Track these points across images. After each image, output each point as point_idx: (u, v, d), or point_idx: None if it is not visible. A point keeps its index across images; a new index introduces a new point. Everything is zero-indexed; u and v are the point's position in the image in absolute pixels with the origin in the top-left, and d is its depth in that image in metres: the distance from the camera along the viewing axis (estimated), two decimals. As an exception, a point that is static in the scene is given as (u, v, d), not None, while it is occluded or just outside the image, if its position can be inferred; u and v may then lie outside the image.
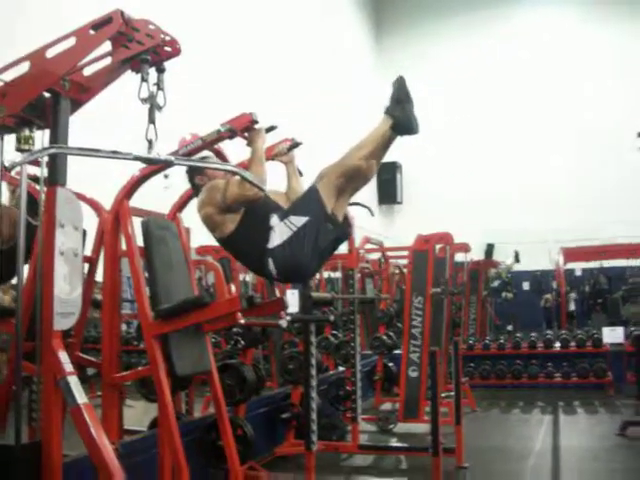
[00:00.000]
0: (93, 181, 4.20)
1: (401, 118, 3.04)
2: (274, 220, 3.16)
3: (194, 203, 3.77)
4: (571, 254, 13.55)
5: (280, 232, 3.11)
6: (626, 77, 16.29)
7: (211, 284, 7.02)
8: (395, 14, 18.33)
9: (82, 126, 3.00)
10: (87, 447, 2.58)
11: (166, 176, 6.03)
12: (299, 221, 3.07)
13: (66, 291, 2.66)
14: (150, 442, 3.92)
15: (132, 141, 2.91)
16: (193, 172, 3.50)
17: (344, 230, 3.24)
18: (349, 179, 3.10)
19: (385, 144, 3.11)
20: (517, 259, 14.50)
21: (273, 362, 7.10)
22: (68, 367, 2.62)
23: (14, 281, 3.51)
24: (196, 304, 3.51)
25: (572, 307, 14.55)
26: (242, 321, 3.78)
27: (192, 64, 4.77)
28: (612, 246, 13.51)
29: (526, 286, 16.04)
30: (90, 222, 3.85)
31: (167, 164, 2.71)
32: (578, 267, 15.12)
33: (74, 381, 2.62)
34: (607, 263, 14.37)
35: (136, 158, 2.46)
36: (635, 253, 13.11)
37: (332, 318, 5.28)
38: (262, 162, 3.21)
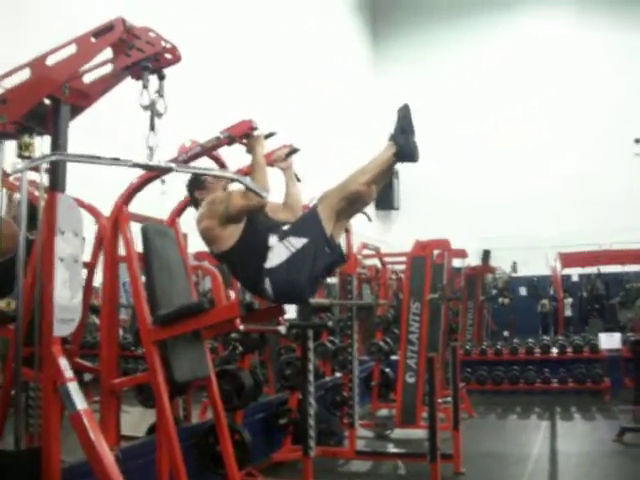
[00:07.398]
0: (86, 185, 4.17)
1: (404, 146, 3.11)
2: (273, 240, 3.17)
3: (192, 209, 3.77)
4: (568, 259, 13.54)
5: (278, 252, 3.12)
6: (625, 80, 16.35)
7: (207, 289, 7.00)
8: (392, 18, 18.37)
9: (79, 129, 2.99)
10: (87, 453, 2.59)
11: (163, 181, 6.04)
12: (298, 242, 3.09)
13: (66, 297, 2.66)
14: (148, 448, 3.92)
15: (128, 145, 2.89)
16: (193, 186, 3.52)
17: (341, 254, 3.25)
18: (350, 203, 3.14)
19: (387, 170, 3.19)
20: (515, 269, 14.57)
21: (269, 368, 7.08)
22: (68, 373, 2.63)
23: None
24: (195, 310, 3.50)
25: (568, 313, 14.60)
26: (241, 327, 3.78)
27: (191, 71, 4.77)
28: (609, 252, 13.54)
29: (523, 291, 16.07)
30: (86, 227, 3.84)
31: (167, 171, 2.72)
32: (575, 273, 15.15)
33: (74, 387, 2.62)
34: (604, 269, 14.42)
35: (136, 165, 2.47)
36: (632, 259, 13.13)
37: (330, 324, 5.28)
38: (264, 169, 3.22)
